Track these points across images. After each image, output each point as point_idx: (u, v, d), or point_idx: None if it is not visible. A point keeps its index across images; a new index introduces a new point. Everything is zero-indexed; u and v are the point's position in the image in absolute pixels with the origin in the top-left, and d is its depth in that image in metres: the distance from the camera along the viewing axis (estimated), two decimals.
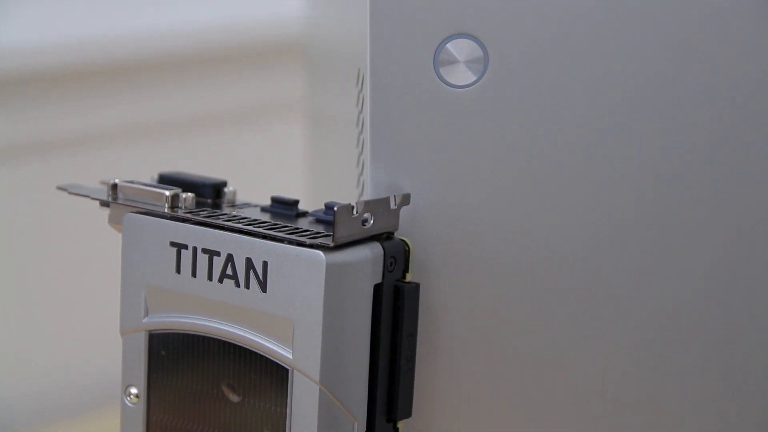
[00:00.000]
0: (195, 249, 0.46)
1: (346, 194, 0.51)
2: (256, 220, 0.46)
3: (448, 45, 0.46)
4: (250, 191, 0.55)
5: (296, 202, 0.48)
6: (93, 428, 1.01)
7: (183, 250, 0.46)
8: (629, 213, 0.47)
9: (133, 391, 0.49)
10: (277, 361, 0.45)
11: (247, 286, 0.45)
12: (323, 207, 0.47)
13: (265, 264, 0.44)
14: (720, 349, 0.48)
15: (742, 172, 0.47)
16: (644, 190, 0.47)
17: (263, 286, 0.45)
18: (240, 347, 0.46)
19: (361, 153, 0.49)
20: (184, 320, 0.47)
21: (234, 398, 0.46)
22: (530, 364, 0.48)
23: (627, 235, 0.47)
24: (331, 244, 0.44)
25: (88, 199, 0.50)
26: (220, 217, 0.47)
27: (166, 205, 0.48)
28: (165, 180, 0.50)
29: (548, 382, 0.48)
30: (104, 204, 0.50)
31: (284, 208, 0.48)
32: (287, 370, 0.45)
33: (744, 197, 0.47)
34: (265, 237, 0.45)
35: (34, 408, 1.05)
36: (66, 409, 1.06)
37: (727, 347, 0.48)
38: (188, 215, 0.47)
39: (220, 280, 0.45)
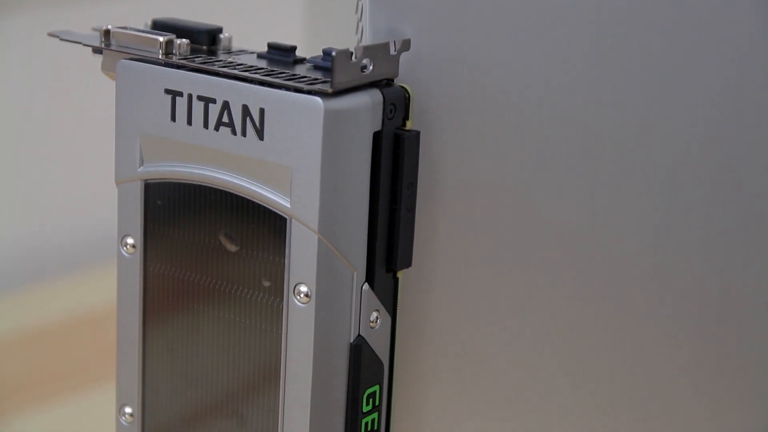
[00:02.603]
0: (190, 96, 0.45)
1: (345, 41, 0.50)
2: (252, 66, 0.45)
3: None
4: (246, 39, 0.54)
5: (293, 48, 0.47)
6: (91, 281, 1.01)
7: (178, 98, 0.45)
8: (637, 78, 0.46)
9: (130, 241, 0.48)
10: (275, 210, 0.44)
11: (244, 134, 0.44)
12: (321, 53, 0.46)
13: (261, 111, 0.44)
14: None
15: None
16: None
17: (260, 134, 0.44)
18: (237, 196, 0.45)
19: None
20: (180, 169, 0.46)
21: (232, 248, 0.46)
22: (531, 209, 0.47)
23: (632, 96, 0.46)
24: (330, 90, 0.43)
25: (80, 46, 0.49)
26: (216, 63, 0.46)
27: (160, 51, 0.47)
28: (159, 26, 0.49)
29: (548, 229, 0.47)
30: (97, 51, 0.49)
31: (281, 55, 0.47)
32: (285, 220, 0.44)
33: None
34: (261, 83, 0.44)
35: (31, 265, 1.05)
36: (64, 265, 1.06)
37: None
38: (183, 61, 0.46)
39: (216, 128, 0.45)
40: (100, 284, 0.83)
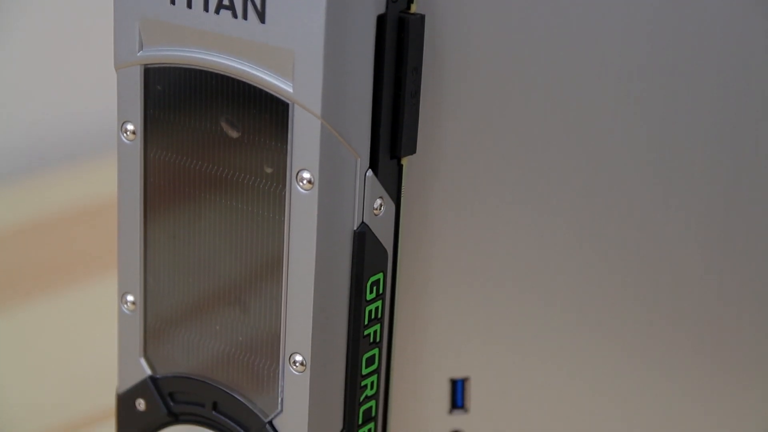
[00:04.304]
0: None
1: None
2: None
3: None
4: None
5: None
6: (91, 174, 1.01)
7: None
8: None
9: (130, 127, 0.47)
10: (277, 95, 0.44)
11: (245, 17, 0.43)
12: None
13: None
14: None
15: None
16: None
17: (262, 17, 0.43)
18: (239, 81, 0.44)
19: None
20: (180, 53, 0.45)
21: (233, 134, 0.45)
22: (538, 93, 0.47)
23: None
24: None
25: None
26: None
27: None
28: None
29: (555, 113, 0.47)
30: None
31: None
32: (287, 105, 0.43)
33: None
34: None
35: (32, 155, 1.05)
36: (63, 157, 1.06)
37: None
38: None
39: (217, 11, 0.44)
40: (101, 174, 0.83)
